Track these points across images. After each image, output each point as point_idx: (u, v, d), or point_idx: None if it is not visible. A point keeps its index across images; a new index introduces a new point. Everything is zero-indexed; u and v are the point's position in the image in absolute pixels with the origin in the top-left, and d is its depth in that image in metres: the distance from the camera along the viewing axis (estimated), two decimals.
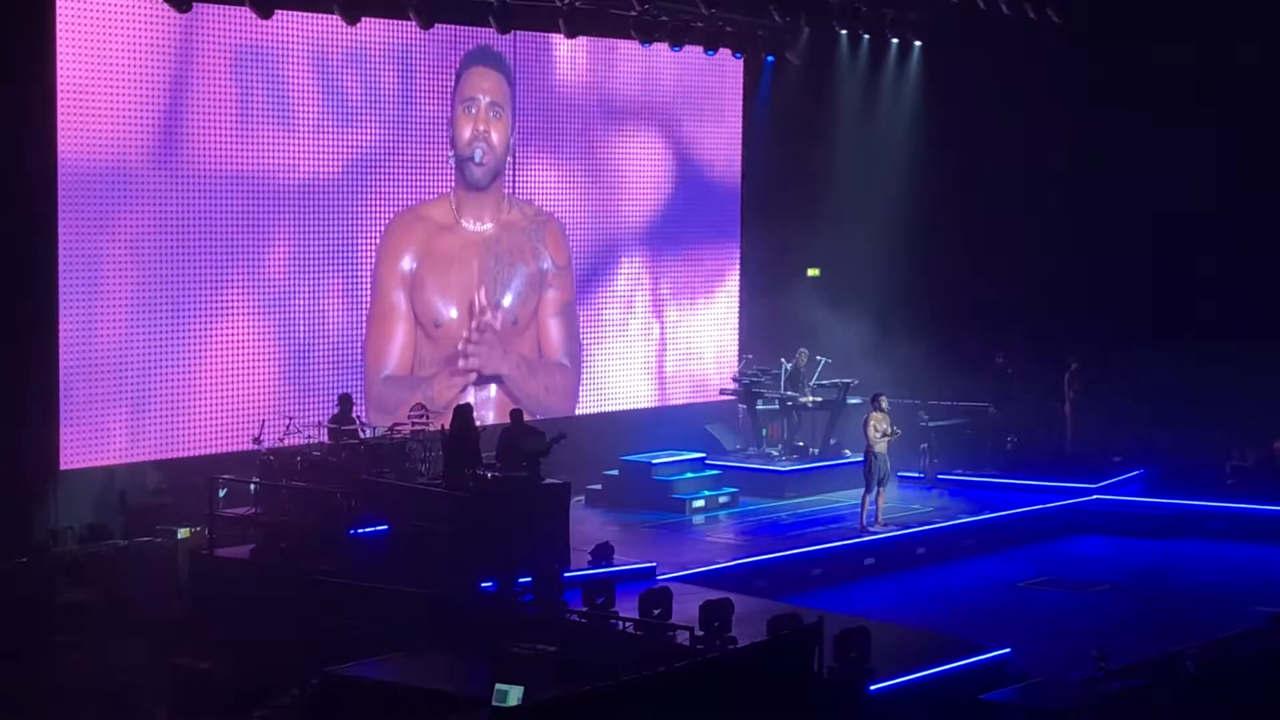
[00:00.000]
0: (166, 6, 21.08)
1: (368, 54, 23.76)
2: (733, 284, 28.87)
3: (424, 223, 24.67)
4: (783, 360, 26.21)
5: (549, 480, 20.16)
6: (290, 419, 21.41)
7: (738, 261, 28.89)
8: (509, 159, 25.53)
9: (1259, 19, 26.08)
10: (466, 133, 25.07)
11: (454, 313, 24.96)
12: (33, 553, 20.14)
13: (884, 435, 22.82)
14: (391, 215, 24.28)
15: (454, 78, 24.79)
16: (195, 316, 22.21)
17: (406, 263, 24.46)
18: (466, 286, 25.10)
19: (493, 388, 25.30)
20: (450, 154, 24.90)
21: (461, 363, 24.89)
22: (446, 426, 20.87)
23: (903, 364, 26.65)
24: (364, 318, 24.03)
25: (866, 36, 27.84)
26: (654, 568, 20.09)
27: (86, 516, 21.18)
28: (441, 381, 24.54)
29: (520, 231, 25.84)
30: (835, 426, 26.22)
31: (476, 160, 25.17)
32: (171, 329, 21.98)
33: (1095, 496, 25.48)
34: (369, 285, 24.06)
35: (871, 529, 22.89)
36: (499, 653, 16.12)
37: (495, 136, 25.39)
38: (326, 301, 23.61)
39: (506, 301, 25.57)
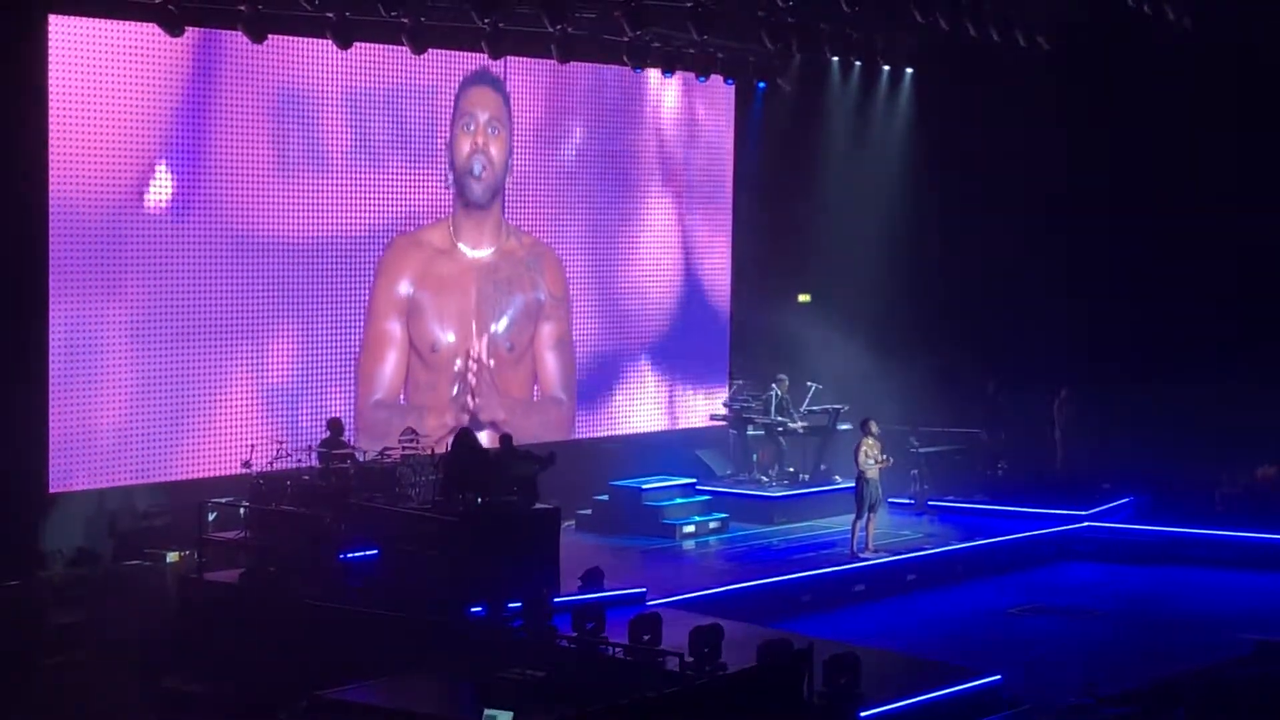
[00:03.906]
0: (158, 34, 21.09)
1: (361, 79, 23.78)
2: (723, 309, 28.88)
3: (422, 248, 24.63)
4: (773, 386, 26.22)
5: (539, 505, 20.14)
6: (280, 443, 21.36)
7: (729, 286, 28.91)
8: (507, 179, 25.55)
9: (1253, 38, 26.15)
10: (465, 148, 24.99)
11: (451, 337, 24.91)
12: (21, 576, 20.07)
13: (876, 462, 22.83)
14: (387, 239, 24.28)
15: (452, 101, 24.80)
16: (185, 340, 22.15)
17: (403, 287, 24.42)
18: (464, 312, 25.07)
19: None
20: (449, 175, 24.87)
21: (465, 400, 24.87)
22: (437, 451, 20.85)
23: (893, 389, 26.66)
24: (356, 342, 24.02)
25: (858, 63, 27.85)
26: (644, 593, 20.06)
27: (76, 540, 21.12)
28: (434, 419, 24.45)
29: (518, 261, 25.80)
30: (825, 452, 26.23)
31: (476, 174, 25.05)
32: (161, 352, 21.92)
33: (1086, 523, 25.50)
34: (362, 309, 24.05)
35: (862, 555, 22.88)
36: (488, 678, 16.09)
37: (494, 151, 25.32)
38: (318, 325, 23.59)
39: (502, 326, 25.56)
